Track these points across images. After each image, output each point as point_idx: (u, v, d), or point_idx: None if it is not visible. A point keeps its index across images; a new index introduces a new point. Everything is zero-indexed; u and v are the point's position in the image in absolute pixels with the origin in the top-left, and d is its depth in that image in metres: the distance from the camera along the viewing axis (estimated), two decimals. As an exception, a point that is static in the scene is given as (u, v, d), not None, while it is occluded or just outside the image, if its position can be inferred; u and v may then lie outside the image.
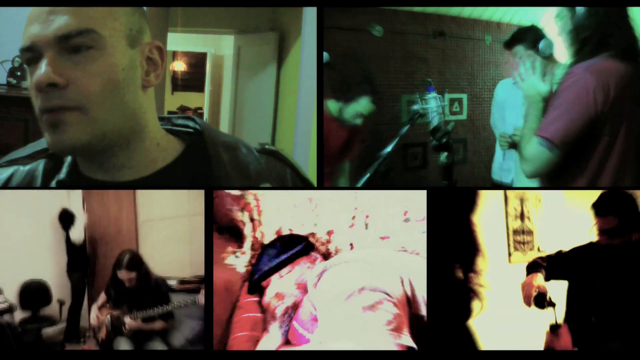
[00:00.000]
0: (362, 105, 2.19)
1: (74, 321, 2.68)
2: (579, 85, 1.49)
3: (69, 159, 1.01)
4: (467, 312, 0.91)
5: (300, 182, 1.11)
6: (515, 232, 2.35)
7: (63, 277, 2.80)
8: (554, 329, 1.54)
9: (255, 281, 1.54)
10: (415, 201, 1.46)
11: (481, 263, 0.94)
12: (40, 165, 1.02)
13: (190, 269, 2.40)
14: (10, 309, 2.36)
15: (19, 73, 3.51)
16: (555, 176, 1.58)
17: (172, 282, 2.30)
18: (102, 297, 2.19)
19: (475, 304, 0.91)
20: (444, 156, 2.03)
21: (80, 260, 2.79)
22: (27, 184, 1.00)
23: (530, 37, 2.27)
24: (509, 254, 2.33)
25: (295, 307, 1.50)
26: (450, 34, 3.41)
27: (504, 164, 2.67)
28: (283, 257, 1.53)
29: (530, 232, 2.39)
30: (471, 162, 3.63)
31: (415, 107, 2.01)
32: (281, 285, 1.52)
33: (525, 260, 2.06)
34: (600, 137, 1.53)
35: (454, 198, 1.01)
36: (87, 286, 2.81)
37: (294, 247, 1.54)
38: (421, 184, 3.28)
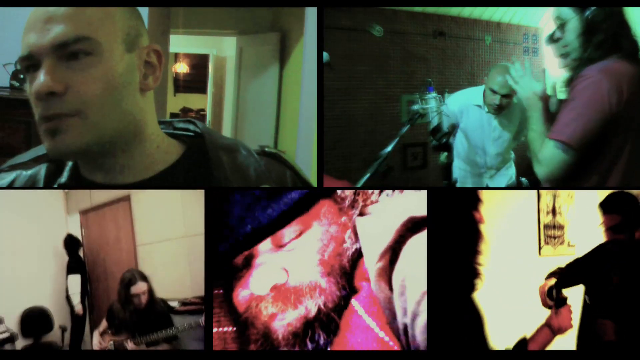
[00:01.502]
0: None
1: (76, 348, 2.62)
2: (593, 87, 1.49)
3: (70, 162, 1.03)
4: (472, 287, 1.04)
5: (300, 185, 1.12)
6: (547, 226, 2.47)
7: (64, 303, 2.73)
8: (558, 304, 1.59)
9: (222, 256, 0.79)
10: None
11: (482, 246, 1.06)
12: (42, 169, 1.03)
13: (191, 290, 2.30)
14: (11, 338, 2.32)
15: (22, 76, 3.53)
16: (568, 177, 1.58)
17: (174, 304, 2.22)
18: (104, 324, 2.14)
19: (477, 281, 1.05)
20: (444, 156, 2.03)
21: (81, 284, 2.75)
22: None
23: None
24: (540, 248, 2.45)
25: (329, 322, 0.73)
26: (450, 34, 3.41)
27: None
28: (283, 204, 0.76)
29: (561, 227, 2.50)
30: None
31: (415, 107, 2.00)
32: (284, 268, 0.78)
33: (554, 254, 2.43)
34: (613, 138, 1.54)
35: (459, 196, 1.11)
36: (87, 311, 2.77)
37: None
38: (421, 184, 3.28)
